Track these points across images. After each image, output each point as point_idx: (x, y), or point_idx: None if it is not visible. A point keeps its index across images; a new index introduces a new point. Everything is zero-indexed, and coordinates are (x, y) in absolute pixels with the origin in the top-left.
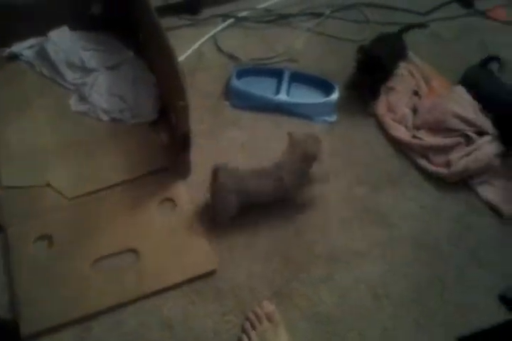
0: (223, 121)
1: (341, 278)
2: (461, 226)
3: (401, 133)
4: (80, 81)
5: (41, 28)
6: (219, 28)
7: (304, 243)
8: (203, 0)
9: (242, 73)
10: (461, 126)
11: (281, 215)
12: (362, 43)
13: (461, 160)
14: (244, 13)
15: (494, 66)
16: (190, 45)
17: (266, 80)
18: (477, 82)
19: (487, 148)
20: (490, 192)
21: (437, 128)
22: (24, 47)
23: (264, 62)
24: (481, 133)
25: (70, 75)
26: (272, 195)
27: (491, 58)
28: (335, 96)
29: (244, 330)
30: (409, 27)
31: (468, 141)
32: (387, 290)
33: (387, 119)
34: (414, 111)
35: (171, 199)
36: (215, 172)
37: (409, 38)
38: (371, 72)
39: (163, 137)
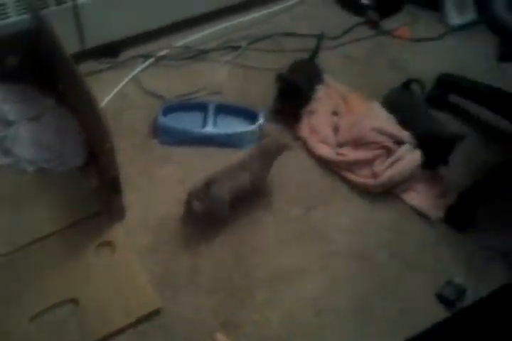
0: (154, 158)
1: (285, 298)
2: (394, 233)
3: (326, 152)
4: (1, 134)
5: None
6: (140, 68)
7: (245, 268)
8: (121, 42)
9: (168, 110)
10: (380, 138)
11: (220, 243)
12: (280, 71)
13: (386, 171)
14: (163, 52)
15: (415, 87)
16: (112, 87)
17: (192, 114)
18: (400, 103)
19: (409, 157)
20: (415, 198)
21: (359, 143)
22: None
23: (188, 98)
24: (400, 143)
25: None
26: (249, 188)
27: (411, 80)
28: (259, 123)
29: None
30: (315, 51)
31: (389, 151)
32: (330, 304)
33: (312, 141)
34: (336, 130)
35: (108, 243)
36: (208, 185)
37: (323, 61)
38: (291, 99)
39: (94, 182)
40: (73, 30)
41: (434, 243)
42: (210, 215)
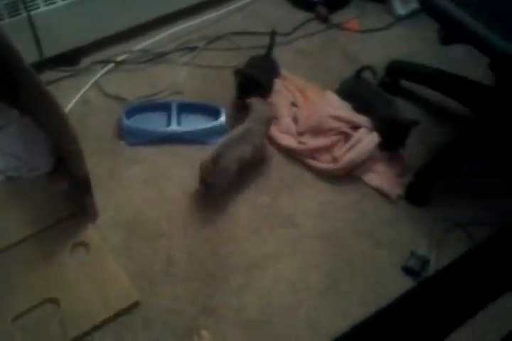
0: (122, 160)
1: (260, 282)
2: (358, 213)
3: (288, 141)
4: None
5: None
6: (100, 74)
7: (219, 257)
8: (80, 49)
9: (131, 112)
10: (337, 124)
11: (193, 235)
12: (237, 67)
13: (345, 155)
14: (122, 57)
15: (368, 75)
16: (74, 94)
17: (156, 115)
18: (355, 92)
19: (365, 140)
20: (375, 179)
21: (318, 131)
22: None
23: (150, 99)
24: (356, 127)
25: None
26: (250, 158)
27: (364, 68)
28: (222, 119)
29: None
30: (269, 47)
31: (347, 136)
32: (304, 283)
33: (273, 131)
34: (296, 120)
35: (83, 243)
36: (215, 160)
37: (278, 57)
38: (251, 92)
39: (64, 185)
40: (30, 40)
41: (396, 219)
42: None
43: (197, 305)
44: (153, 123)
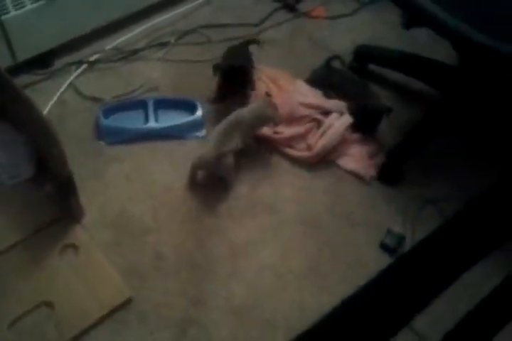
0: (103, 160)
1: (246, 269)
2: (334, 196)
3: (264, 131)
4: None
5: None
6: (74, 75)
7: (205, 248)
8: (53, 51)
9: (109, 111)
10: (308, 111)
11: (179, 230)
12: (215, 61)
13: (318, 142)
14: (95, 57)
15: (336, 63)
16: (51, 97)
17: (133, 113)
18: (326, 79)
19: (337, 125)
20: (349, 161)
21: (291, 119)
22: None
23: (126, 97)
24: (328, 113)
25: None
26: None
27: (332, 57)
28: (199, 113)
29: None
30: (249, 41)
31: (319, 123)
32: (287, 267)
33: None
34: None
35: (71, 245)
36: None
37: (249, 47)
38: (235, 81)
39: (48, 188)
40: (3, 45)
41: (371, 199)
42: (219, 180)
43: (187, 296)
44: (131, 121)
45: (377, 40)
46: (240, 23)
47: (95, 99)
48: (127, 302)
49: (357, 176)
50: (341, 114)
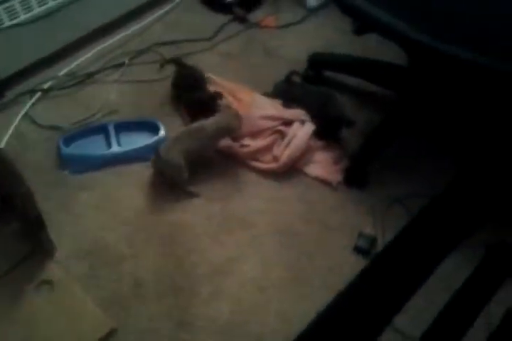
0: (69, 190)
1: (228, 286)
2: (305, 203)
3: (229, 145)
4: None
5: None
6: (29, 105)
7: (185, 269)
8: (4, 82)
9: (69, 139)
10: (270, 123)
11: (155, 254)
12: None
13: (284, 152)
14: (49, 84)
15: (296, 78)
16: (6, 130)
17: (94, 138)
18: (288, 92)
19: (300, 134)
20: (315, 168)
21: (254, 133)
22: None
23: (86, 123)
24: (290, 123)
25: None
26: (196, 154)
27: (292, 73)
28: (162, 132)
29: None
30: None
31: (283, 134)
32: (268, 280)
33: None
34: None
35: (46, 281)
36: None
37: (203, 62)
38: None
39: (15, 226)
40: None
41: (341, 204)
42: (171, 181)
43: (172, 320)
44: (94, 147)
45: (329, 46)
46: (193, 39)
47: (54, 128)
48: (112, 334)
49: (324, 182)
50: (302, 122)
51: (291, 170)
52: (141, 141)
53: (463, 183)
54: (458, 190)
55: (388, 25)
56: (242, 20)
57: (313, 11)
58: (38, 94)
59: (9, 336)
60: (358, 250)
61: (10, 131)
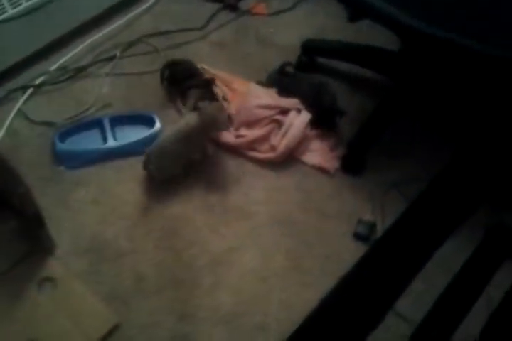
0: (65, 186)
1: (229, 277)
2: (303, 192)
3: (226, 137)
4: None
5: None
6: (21, 101)
7: (185, 262)
8: None
9: (64, 135)
10: (266, 113)
11: (155, 247)
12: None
13: (281, 142)
14: (40, 79)
15: (289, 68)
16: None
17: (89, 133)
18: (281, 83)
19: (296, 123)
20: (312, 157)
21: (251, 122)
22: None
23: (80, 118)
24: (286, 111)
25: None
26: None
27: (285, 64)
28: (157, 125)
29: None
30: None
31: (279, 123)
32: (269, 269)
33: None
34: (229, 115)
35: (48, 278)
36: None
37: (196, 53)
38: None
39: (13, 224)
40: None
41: (338, 191)
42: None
43: (174, 313)
44: (89, 142)
45: (321, 32)
46: (184, 28)
47: (47, 124)
48: (115, 329)
49: (322, 170)
50: (298, 110)
51: (288, 159)
52: (137, 134)
53: (459, 166)
54: (454, 173)
55: (381, 10)
56: (233, 8)
57: None
58: (30, 89)
59: (13, 334)
60: (357, 236)
61: (3, 129)
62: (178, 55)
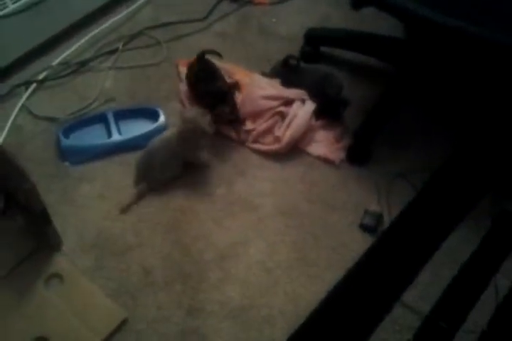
0: (70, 181)
1: (236, 270)
2: (309, 183)
3: (227, 131)
4: None
5: None
6: (25, 96)
7: (192, 256)
8: None
9: (68, 130)
10: (270, 103)
11: (162, 241)
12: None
13: (285, 133)
14: (43, 74)
15: (293, 61)
16: (4, 123)
17: (94, 128)
18: (284, 75)
19: (301, 113)
20: (317, 147)
21: (256, 114)
22: None
23: (84, 113)
24: (290, 102)
25: None
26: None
27: (288, 57)
28: (162, 119)
29: None
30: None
31: (283, 114)
32: (276, 261)
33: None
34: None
35: (55, 275)
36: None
37: (199, 44)
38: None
39: (19, 221)
40: None
41: (344, 182)
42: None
43: (182, 307)
44: (93, 137)
45: (324, 20)
46: (186, 20)
47: (51, 119)
48: (123, 324)
49: (327, 161)
50: (303, 101)
51: (293, 151)
52: (141, 128)
53: (463, 155)
54: (459, 163)
55: (394, 3)
56: None
57: None
58: (34, 85)
59: (20, 331)
60: (364, 227)
61: (8, 125)
62: (180, 46)
